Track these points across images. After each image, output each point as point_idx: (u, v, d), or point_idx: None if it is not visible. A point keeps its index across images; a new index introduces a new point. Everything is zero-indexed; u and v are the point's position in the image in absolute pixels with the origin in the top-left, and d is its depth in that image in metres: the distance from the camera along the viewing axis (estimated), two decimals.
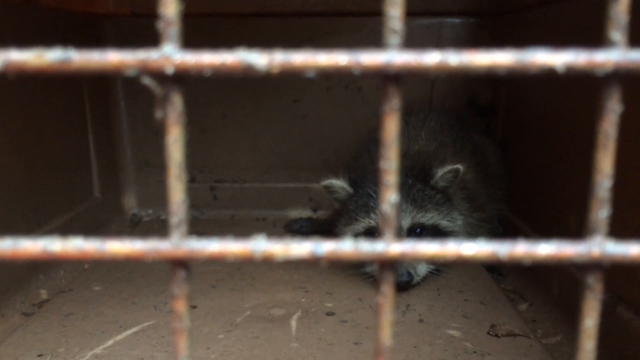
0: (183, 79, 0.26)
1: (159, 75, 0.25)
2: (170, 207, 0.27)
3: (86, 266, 1.50)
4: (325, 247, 0.27)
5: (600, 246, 0.27)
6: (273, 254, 0.27)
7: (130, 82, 1.91)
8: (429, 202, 1.40)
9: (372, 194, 1.40)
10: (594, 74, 0.26)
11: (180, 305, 0.28)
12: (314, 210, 1.99)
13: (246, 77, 0.25)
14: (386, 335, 0.29)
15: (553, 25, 1.40)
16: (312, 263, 0.28)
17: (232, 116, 1.96)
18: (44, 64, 0.25)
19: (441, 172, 1.40)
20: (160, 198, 1.95)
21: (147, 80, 0.25)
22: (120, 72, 0.25)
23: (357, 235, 1.40)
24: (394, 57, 0.25)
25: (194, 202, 1.99)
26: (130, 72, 0.25)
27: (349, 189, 1.47)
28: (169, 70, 0.25)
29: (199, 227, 1.83)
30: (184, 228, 0.27)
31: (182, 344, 0.28)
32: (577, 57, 0.26)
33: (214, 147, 1.98)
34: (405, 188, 1.39)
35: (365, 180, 1.45)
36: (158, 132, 1.76)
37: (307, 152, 1.98)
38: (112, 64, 0.25)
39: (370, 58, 0.25)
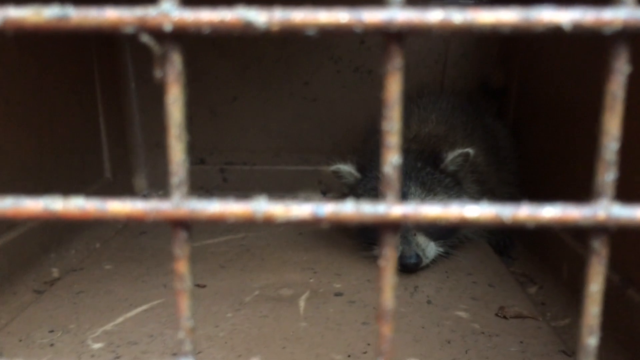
0: (182, 36, 0.25)
1: (157, 33, 0.25)
2: (171, 167, 0.27)
3: (97, 245, 1.51)
4: (327, 208, 0.27)
5: (606, 209, 0.26)
6: (274, 214, 0.27)
7: (141, 64, 1.91)
8: (438, 185, 1.40)
9: (379, 177, 1.40)
10: (601, 32, 0.25)
11: (182, 266, 0.28)
12: (324, 193, 1.99)
13: (245, 35, 0.25)
14: (388, 298, 0.29)
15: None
16: (313, 224, 0.27)
17: (242, 98, 1.96)
18: (41, 21, 0.24)
19: (451, 156, 1.39)
20: None
21: (145, 38, 0.25)
22: (118, 30, 0.25)
23: None
24: (396, 14, 0.25)
25: (204, 184, 2.00)
26: (129, 30, 0.25)
27: (357, 174, 1.46)
28: (167, 27, 0.25)
29: None
30: (184, 188, 0.27)
31: (184, 304, 0.28)
32: (584, 15, 0.25)
33: (224, 129, 1.98)
34: (414, 171, 1.38)
35: (373, 164, 1.44)
36: None
37: (317, 135, 1.97)
38: (109, 21, 0.24)
39: (372, 15, 0.25)
